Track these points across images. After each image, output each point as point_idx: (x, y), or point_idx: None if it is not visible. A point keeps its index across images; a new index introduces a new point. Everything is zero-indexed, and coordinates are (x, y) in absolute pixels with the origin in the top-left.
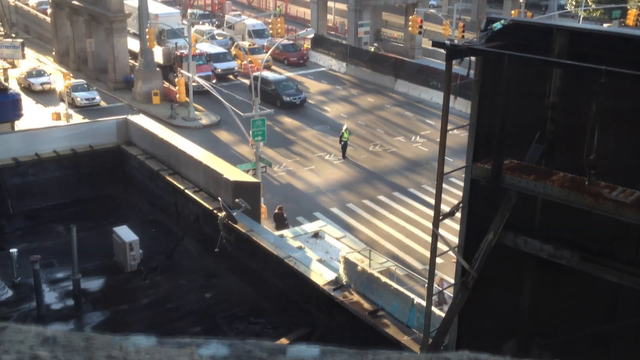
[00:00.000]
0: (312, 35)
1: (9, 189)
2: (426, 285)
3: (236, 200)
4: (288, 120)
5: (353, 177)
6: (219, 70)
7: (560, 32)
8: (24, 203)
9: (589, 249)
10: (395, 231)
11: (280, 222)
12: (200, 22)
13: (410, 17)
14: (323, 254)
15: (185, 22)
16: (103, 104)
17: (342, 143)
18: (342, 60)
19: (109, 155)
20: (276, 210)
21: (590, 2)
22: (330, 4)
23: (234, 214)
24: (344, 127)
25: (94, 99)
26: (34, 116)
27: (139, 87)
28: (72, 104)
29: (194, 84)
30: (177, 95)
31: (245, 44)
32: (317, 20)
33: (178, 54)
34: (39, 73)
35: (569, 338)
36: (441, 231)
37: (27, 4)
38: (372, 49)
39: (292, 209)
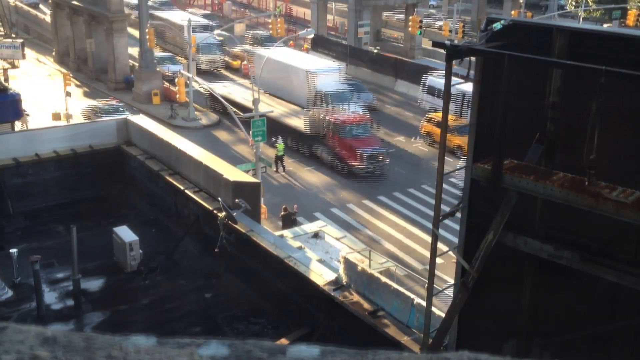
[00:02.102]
0: (312, 35)
1: (9, 189)
2: (426, 285)
3: (236, 200)
4: None
5: (353, 177)
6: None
7: (560, 32)
8: (24, 203)
9: (589, 249)
10: (395, 231)
11: (288, 222)
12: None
13: (411, 17)
14: (323, 254)
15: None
16: None
17: (277, 156)
18: (342, 61)
19: (109, 156)
20: (282, 212)
21: (590, 2)
22: (330, 4)
23: (234, 214)
24: (279, 139)
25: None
26: (34, 116)
27: (139, 87)
28: None
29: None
30: (177, 96)
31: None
32: (317, 20)
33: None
34: (115, 109)
35: (569, 338)
36: (441, 231)
37: (21, 1)
38: (375, 51)
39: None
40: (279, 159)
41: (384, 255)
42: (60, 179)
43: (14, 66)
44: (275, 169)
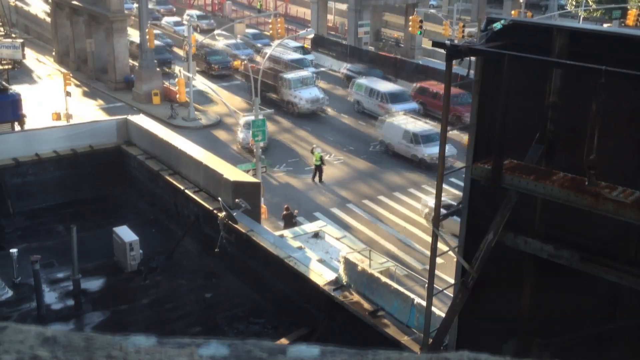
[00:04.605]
0: (312, 35)
1: (9, 189)
2: (426, 285)
3: (236, 200)
4: (288, 121)
5: (353, 177)
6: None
7: (560, 32)
8: (24, 203)
9: (589, 249)
10: (395, 231)
11: (289, 221)
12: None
13: (411, 17)
14: (323, 254)
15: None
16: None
17: (315, 165)
18: (342, 61)
19: (109, 155)
20: (284, 212)
21: (590, 2)
22: (330, 4)
23: (234, 214)
24: (316, 148)
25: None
26: (34, 116)
27: (139, 87)
28: None
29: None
30: (177, 96)
31: None
32: (317, 20)
33: None
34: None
35: (569, 338)
36: (441, 231)
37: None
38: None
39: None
40: (317, 168)
41: (384, 255)
42: (60, 179)
43: (14, 66)
44: (312, 179)
